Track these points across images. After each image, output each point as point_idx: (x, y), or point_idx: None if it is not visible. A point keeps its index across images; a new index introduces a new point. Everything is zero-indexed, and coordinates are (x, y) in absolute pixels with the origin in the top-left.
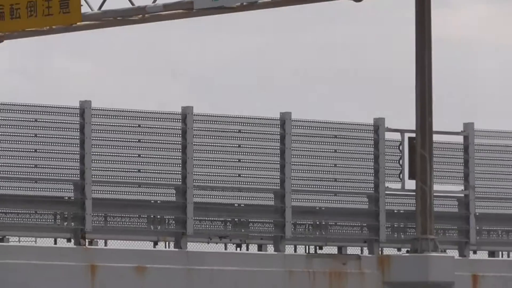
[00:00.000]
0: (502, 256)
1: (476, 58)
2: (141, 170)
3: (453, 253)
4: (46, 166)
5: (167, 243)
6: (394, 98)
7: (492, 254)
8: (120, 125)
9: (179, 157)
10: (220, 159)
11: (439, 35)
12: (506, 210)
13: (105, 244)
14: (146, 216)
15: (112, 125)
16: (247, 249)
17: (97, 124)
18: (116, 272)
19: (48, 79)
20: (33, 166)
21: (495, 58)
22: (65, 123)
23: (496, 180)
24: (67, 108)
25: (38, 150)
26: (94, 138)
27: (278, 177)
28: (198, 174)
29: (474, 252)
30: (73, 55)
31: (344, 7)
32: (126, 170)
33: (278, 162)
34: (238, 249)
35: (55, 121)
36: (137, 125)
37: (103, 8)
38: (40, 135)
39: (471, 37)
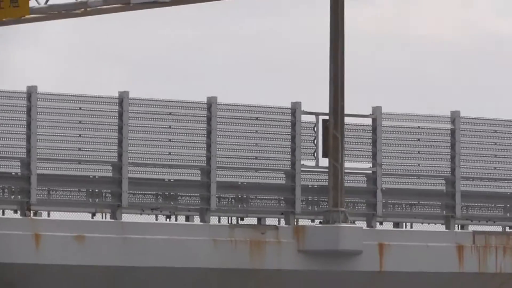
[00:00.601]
0: (405, 227)
1: (386, 48)
2: (81, 149)
3: (362, 224)
4: None
5: (104, 214)
6: (311, 84)
7: (396, 225)
8: (63, 108)
9: (116, 137)
10: (153, 139)
11: (353, 26)
12: (410, 185)
13: (48, 215)
14: (85, 190)
15: (55, 108)
16: (176, 220)
17: (42, 107)
18: (58, 240)
19: None
20: None
21: (403, 50)
22: (13, 106)
23: (401, 158)
24: (14, 92)
25: None
26: (39, 119)
27: (205, 155)
28: (133, 152)
29: (381, 223)
30: (24, 44)
31: (270, 0)
32: (68, 148)
33: (204, 142)
34: (168, 220)
35: (3, 104)
36: (78, 108)
37: (49, 3)
38: None
39: (382, 30)
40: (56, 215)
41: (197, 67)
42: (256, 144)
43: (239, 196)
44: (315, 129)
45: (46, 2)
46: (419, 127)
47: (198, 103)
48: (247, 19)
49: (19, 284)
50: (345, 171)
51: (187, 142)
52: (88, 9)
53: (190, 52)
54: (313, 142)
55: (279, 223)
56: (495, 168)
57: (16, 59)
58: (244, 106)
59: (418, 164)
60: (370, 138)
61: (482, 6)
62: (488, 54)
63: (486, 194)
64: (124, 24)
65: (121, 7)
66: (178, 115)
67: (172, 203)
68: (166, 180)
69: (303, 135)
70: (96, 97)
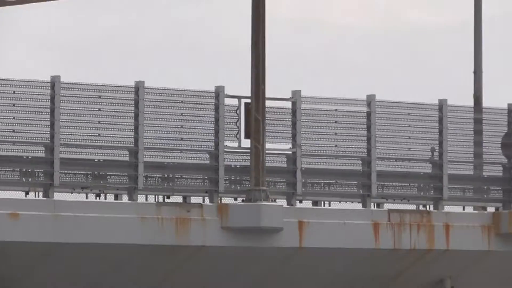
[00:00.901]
0: (324, 205)
1: (306, 35)
2: (15, 130)
3: (282, 202)
4: None
5: (37, 193)
6: (234, 69)
7: (315, 203)
8: None
9: (48, 120)
10: (83, 121)
11: (273, 12)
12: (328, 166)
13: None
14: (19, 169)
15: None
16: (105, 199)
17: None
18: None
19: None
20: None
21: (322, 36)
22: None
23: (320, 140)
24: None
25: None
26: None
27: (133, 136)
28: (65, 134)
29: (300, 202)
30: None
31: None
32: (1, 130)
33: (132, 124)
34: (98, 198)
35: None
36: (12, 92)
37: None
38: None
39: (304, 17)
40: None
41: (127, 53)
42: (182, 126)
43: (165, 176)
44: (238, 112)
45: None
46: (336, 110)
47: (127, 87)
48: (172, 8)
49: None
50: (266, 152)
51: (116, 124)
52: None
53: (120, 38)
54: (236, 124)
55: (203, 202)
56: (409, 149)
57: None
58: (170, 90)
59: (336, 145)
60: (290, 121)
61: None
62: (402, 41)
63: (401, 174)
64: (61, 12)
65: None
66: (107, 98)
67: (101, 182)
68: (96, 160)
69: (226, 118)
70: (28, 81)
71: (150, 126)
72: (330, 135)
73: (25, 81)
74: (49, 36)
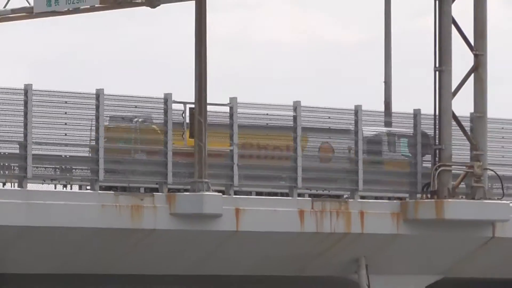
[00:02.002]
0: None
1: (244, 50)
2: None
3: (221, 192)
4: None
5: (12, 184)
6: (181, 78)
7: (249, 193)
8: None
9: (22, 121)
10: (51, 123)
11: (213, 31)
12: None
13: None
14: None
15: None
16: (71, 189)
17: None
18: None
19: None
20: None
21: (260, 52)
22: None
23: (257, 139)
24: None
25: None
26: None
27: (94, 136)
28: (36, 133)
29: (237, 192)
30: None
31: (142, 11)
32: None
33: (93, 125)
34: (64, 188)
35: None
36: None
37: None
38: None
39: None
40: None
41: (90, 66)
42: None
43: (123, 169)
44: (183, 115)
45: None
46: (267, 114)
47: (88, 93)
48: (128, 26)
49: None
50: (208, 149)
51: (78, 125)
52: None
53: (83, 54)
54: (182, 125)
55: (154, 192)
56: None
57: None
58: (125, 96)
59: (267, 144)
60: (228, 123)
61: (319, 15)
62: (323, 55)
63: (323, 168)
64: (28, 30)
65: (26, 15)
66: (72, 103)
67: (67, 175)
68: (63, 156)
69: (174, 121)
70: (4, 88)
71: (110, 126)
72: (267, 135)
73: (3, 88)
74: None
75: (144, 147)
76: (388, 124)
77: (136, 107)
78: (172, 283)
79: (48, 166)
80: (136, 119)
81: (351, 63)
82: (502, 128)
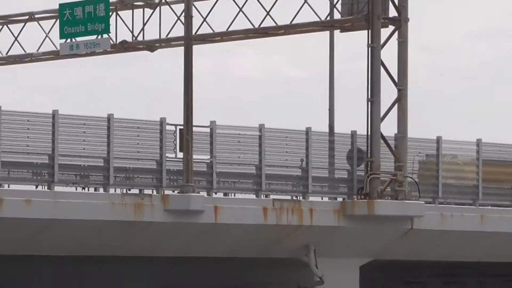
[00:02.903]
0: (231, 195)
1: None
2: (29, 145)
3: (204, 193)
4: None
5: (43, 187)
6: (175, 106)
7: (226, 194)
8: None
9: (50, 138)
10: (74, 141)
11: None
12: (232, 170)
13: (9, 186)
14: (31, 171)
15: None
16: (88, 190)
17: None
18: (14, 202)
19: None
20: None
21: (230, 84)
22: None
23: (228, 152)
24: None
25: None
26: None
27: (106, 149)
28: (62, 148)
29: (215, 193)
30: None
31: (143, 54)
32: (19, 146)
33: (106, 141)
34: (83, 190)
35: None
36: (26, 120)
37: (9, 53)
38: None
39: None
40: (13, 187)
41: (102, 95)
42: (138, 143)
43: (128, 176)
44: (175, 134)
45: (7, 53)
46: (239, 134)
47: (101, 117)
48: (132, 65)
49: None
50: (194, 160)
51: (95, 142)
52: (33, 58)
53: (97, 86)
54: (174, 142)
55: (152, 193)
56: (286, 159)
57: None
58: (132, 120)
59: (239, 156)
60: (208, 141)
61: (280, 57)
62: (282, 87)
63: (282, 176)
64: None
65: (54, 57)
66: (89, 125)
67: (85, 180)
68: (82, 165)
69: (167, 139)
70: (34, 113)
71: (118, 142)
72: (245, 152)
73: (33, 112)
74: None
75: (145, 158)
76: (331, 142)
77: (138, 128)
78: (165, 263)
79: (70, 173)
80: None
81: (303, 94)
82: (419, 145)
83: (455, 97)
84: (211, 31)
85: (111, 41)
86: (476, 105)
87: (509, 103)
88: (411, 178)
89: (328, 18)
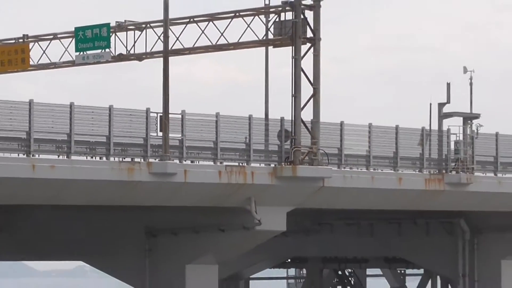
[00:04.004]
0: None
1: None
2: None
3: (176, 161)
4: None
5: (62, 156)
6: (155, 100)
7: (193, 161)
8: None
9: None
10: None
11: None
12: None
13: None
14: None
15: None
16: (95, 158)
17: None
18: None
19: None
20: None
21: (197, 86)
22: None
23: (200, 132)
24: None
25: None
26: None
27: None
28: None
29: (185, 161)
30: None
31: (134, 63)
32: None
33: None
34: (91, 158)
35: None
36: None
37: (39, 62)
38: None
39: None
40: (42, 156)
41: (104, 92)
42: (130, 125)
43: (123, 149)
44: (156, 119)
45: (37, 62)
46: (202, 119)
47: (103, 107)
48: (127, 71)
49: None
50: (170, 137)
51: (100, 124)
52: (55, 65)
53: (100, 85)
54: (155, 125)
55: (140, 160)
56: (235, 137)
57: None
58: (128, 109)
59: (201, 135)
60: (180, 124)
61: (232, 65)
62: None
63: (232, 149)
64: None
65: (71, 65)
66: (95, 114)
67: (93, 151)
68: (90, 141)
69: (151, 122)
70: (55, 104)
71: (117, 125)
72: (199, 131)
73: (55, 104)
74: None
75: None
76: (266, 125)
77: (131, 115)
78: (149, 209)
79: (82, 146)
80: None
81: (248, 91)
82: (328, 127)
83: (356, 95)
84: (182, 47)
85: (111, 53)
86: (371, 101)
87: (396, 100)
88: (323, 150)
89: (264, 37)
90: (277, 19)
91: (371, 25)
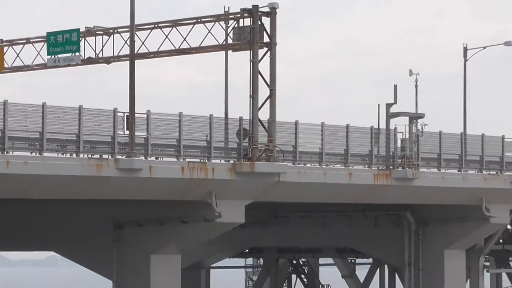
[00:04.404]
0: (161, 159)
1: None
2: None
3: (142, 157)
4: None
5: (34, 153)
6: (123, 99)
7: (157, 158)
8: None
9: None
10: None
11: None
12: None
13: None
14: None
15: None
16: (66, 155)
17: None
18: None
19: None
20: None
21: (162, 87)
22: None
23: (165, 130)
24: None
25: None
26: None
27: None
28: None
29: (150, 157)
30: None
31: (102, 66)
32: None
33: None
34: (63, 155)
35: None
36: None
37: (12, 65)
38: None
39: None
40: (16, 153)
41: (73, 93)
42: (99, 125)
43: (92, 146)
44: (123, 118)
45: (11, 65)
46: (166, 118)
47: (72, 107)
48: (95, 72)
49: None
50: (135, 135)
51: (64, 123)
52: (28, 68)
53: (69, 87)
54: (122, 124)
55: (108, 157)
56: (197, 135)
57: None
58: (97, 109)
59: (165, 134)
60: (145, 123)
61: (194, 68)
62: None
63: (194, 146)
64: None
65: (42, 67)
66: (68, 114)
67: (64, 148)
68: (61, 138)
69: (118, 122)
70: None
71: (86, 124)
72: (163, 129)
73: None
74: None
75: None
76: (226, 124)
77: (99, 114)
78: (116, 203)
79: (54, 144)
80: None
81: (208, 92)
82: (283, 126)
83: (309, 96)
84: (147, 51)
85: (81, 57)
86: (323, 101)
87: (346, 100)
88: (279, 147)
89: (224, 42)
90: (236, 25)
91: (323, 30)
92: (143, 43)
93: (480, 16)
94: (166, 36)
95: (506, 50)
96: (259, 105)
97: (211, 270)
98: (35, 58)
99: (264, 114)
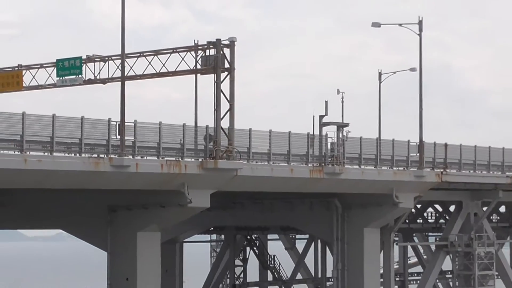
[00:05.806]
0: (146, 157)
1: (137, 100)
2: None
3: (130, 156)
4: None
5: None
6: (116, 112)
7: (143, 157)
8: None
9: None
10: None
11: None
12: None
13: None
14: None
15: None
16: (69, 154)
17: None
18: None
19: None
20: None
21: (145, 102)
22: None
23: (148, 135)
24: None
25: None
26: None
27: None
28: (59, 133)
29: (136, 156)
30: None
31: (99, 86)
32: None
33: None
34: (66, 154)
35: None
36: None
37: (29, 85)
38: None
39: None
40: (32, 153)
41: (77, 108)
42: (96, 131)
43: (92, 148)
44: (116, 126)
45: (28, 85)
46: (149, 126)
47: (76, 118)
48: (93, 91)
49: None
50: (126, 139)
51: (68, 129)
52: (42, 87)
53: (74, 102)
54: (115, 130)
55: (104, 156)
56: (174, 140)
57: None
58: (96, 120)
59: (149, 138)
60: (133, 130)
61: (169, 88)
62: (169, 105)
63: (171, 148)
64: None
65: (52, 86)
66: (72, 124)
67: (69, 149)
68: (67, 142)
69: (112, 129)
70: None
71: (87, 130)
72: (147, 135)
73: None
74: None
75: (101, 138)
76: (195, 131)
77: (97, 123)
78: (110, 191)
79: (62, 146)
80: None
81: (182, 107)
82: (240, 133)
83: (258, 107)
84: (134, 74)
85: (83, 78)
86: (270, 113)
87: (288, 112)
88: (236, 149)
89: (194, 68)
90: (204, 55)
91: (271, 58)
92: (131, 68)
93: (392, 47)
94: (149, 63)
95: (412, 75)
96: (221, 116)
97: (184, 244)
98: (47, 79)
99: (225, 123)
